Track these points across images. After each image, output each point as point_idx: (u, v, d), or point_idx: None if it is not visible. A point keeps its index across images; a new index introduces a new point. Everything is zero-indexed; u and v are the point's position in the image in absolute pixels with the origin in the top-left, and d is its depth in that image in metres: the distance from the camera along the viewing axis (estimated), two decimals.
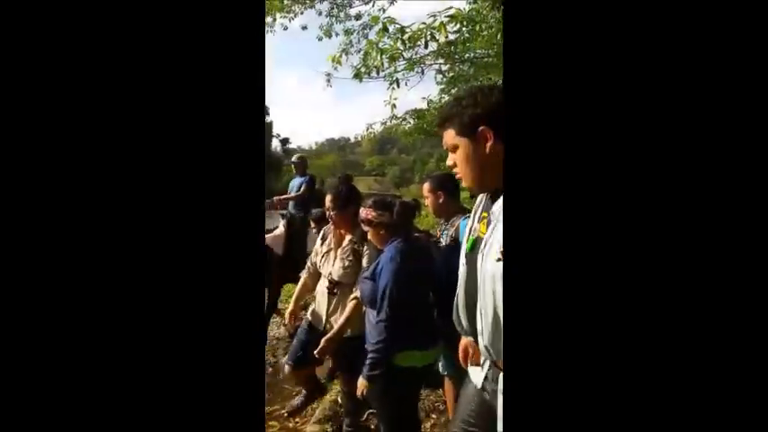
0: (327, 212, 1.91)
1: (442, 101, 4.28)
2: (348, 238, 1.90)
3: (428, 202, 2.01)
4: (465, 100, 0.89)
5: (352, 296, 1.80)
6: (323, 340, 1.78)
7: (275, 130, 21.05)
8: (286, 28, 4.92)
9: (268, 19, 4.46)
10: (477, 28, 2.88)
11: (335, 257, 1.90)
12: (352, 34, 4.67)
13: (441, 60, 3.60)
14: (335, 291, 1.88)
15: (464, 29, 2.76)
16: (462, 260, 1.01)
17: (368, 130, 5.33)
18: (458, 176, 0.94)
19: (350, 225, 1.87)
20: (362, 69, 3.14)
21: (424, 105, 4.66)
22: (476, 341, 1.00)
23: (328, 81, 4.61)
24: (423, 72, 3.47)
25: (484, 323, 0.94)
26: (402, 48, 2.75)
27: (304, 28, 5.37)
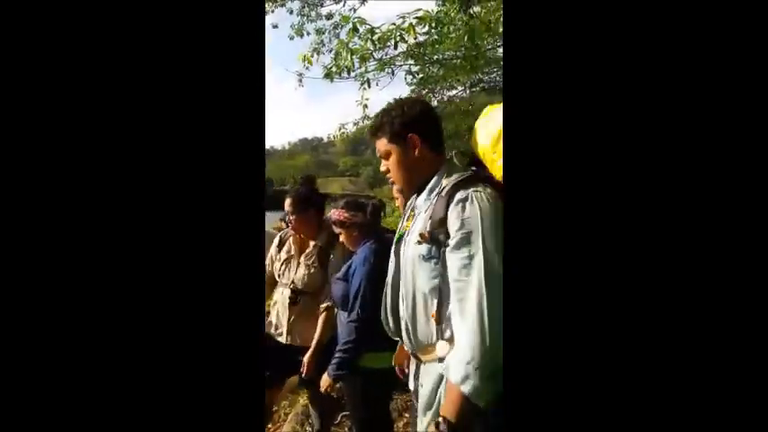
0: (287, 216, 1.80)
1: None
2: (312, 243, 1.79)
3: (398, 202, 2.00)
4: (394, 111, 0.99)
5: (323, 306, 1.71)
6: (306, 359, 1.68)
7: None
8: None
9: None
10: (445, 30, 2.90)
11: (298, 264, 1.78)
12: (323, 34, 4.61)
13: (411, 61, 3.61)
14: (298, 300, 1.74)
15: (433, 30, 2.78)
16: (391, 257, 1.07)
17: (340, 130, 5.28)
18: (391, 180, 1.03)
19: (312, 229, 1.77)
20: (333, 69, 3.10)
21: None
22: (399, 336, 1.02)
23: (300, 80, 4.53)
24: (393, 73, 3.47)
25: (404, 307, 0.98)
26: (372, 48, 2.74)
27: (275, 26, 5.27)
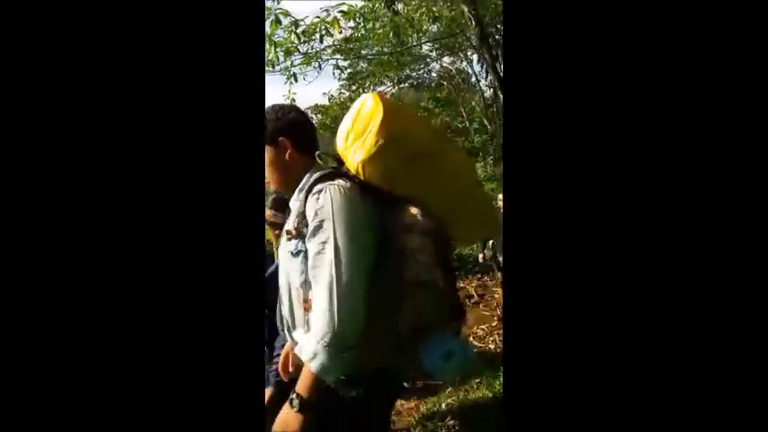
0: None
1: (343, 97, 4.24)
2: None
3: None
4: (269, 115, 1.06)
5: None
6: None
7: None
8: None
9: None
10: (370, 26, 2.87)
11: None
12: None
13: (338, 56, 3.54)
14: None
15: (360, 25, 2.74)
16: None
17: None
18: (266, 181, 1.08)
19: None
20: None
21: (324, 101, 4.57)
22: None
23: None
24: (320, 67, 3.37)
25: (281, 304, 1.02)
26: (297, 41, 2.63)
27: None
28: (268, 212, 1.53)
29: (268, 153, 1.03)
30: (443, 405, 2.17)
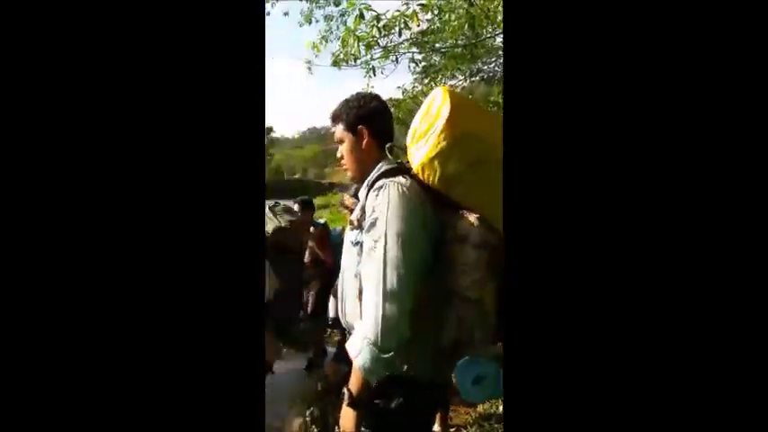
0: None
1: (416, 90, 4.27)
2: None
3: None
4: (351, 102, 1.04)
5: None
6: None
7: None
8: (268, 13, 4.77)
9: None
10: (446, 18, 2.89)
11: None
12: (331, 20, 4.57)
13: (414, 49, 3.59)
14: None
15: (435, 18, 2.77)
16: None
17: None
18: (344, 168, 1.06)
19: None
20: (341, 56, 3.10)
21: (399, 94, 4.64)
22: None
23: (309, 68, 4.51)
24: (397, 61, 3.45)
25: (339, 290, 1.01)
26: (377, 35, 2.74)
27: (285, 14, 5.21)
28: (350, 200, 1.65)
29: (348, 141, 1.02)
30: (500, 408, 2.09)
